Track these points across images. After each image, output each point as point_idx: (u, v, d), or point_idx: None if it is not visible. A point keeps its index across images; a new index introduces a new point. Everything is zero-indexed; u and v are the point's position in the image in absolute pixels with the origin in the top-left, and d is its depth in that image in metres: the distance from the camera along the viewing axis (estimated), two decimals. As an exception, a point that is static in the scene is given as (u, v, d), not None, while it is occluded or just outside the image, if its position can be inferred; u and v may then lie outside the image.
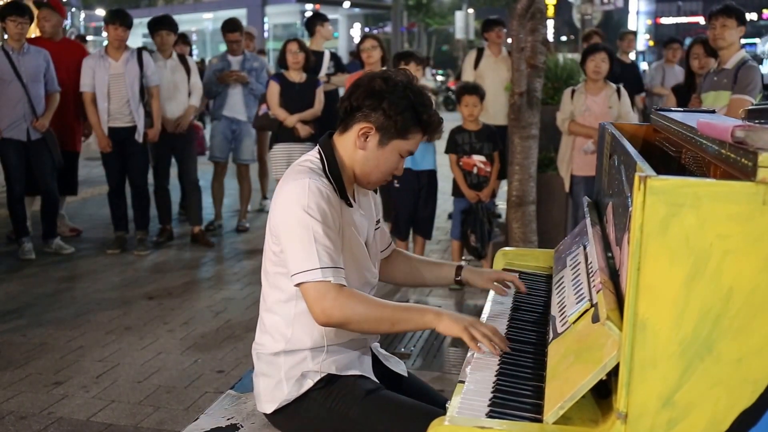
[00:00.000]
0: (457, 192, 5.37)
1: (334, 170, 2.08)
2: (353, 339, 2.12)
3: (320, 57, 7.02)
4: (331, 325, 1.96)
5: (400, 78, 2.07)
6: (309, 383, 2.06)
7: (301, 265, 1.92)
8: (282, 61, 6.30)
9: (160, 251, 6.42)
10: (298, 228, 1.94)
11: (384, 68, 2.20)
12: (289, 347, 2.07)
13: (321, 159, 2.10)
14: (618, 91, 5.42)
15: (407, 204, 5.31)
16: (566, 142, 5.53)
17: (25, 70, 5.87)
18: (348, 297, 1.91)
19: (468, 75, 7.20)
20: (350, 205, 2.12)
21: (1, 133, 5.82)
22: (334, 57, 7.26)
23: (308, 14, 38.80)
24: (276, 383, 2.09)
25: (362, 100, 2.05)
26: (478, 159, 5.19)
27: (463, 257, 5.65)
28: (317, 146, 2.16)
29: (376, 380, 2.13)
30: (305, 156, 2.14)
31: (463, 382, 1.73)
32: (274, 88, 6.16)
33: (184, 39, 7.59)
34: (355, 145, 2.08)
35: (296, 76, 6.21)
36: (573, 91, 5.48)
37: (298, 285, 1.95)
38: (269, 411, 2.11)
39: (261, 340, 2.16)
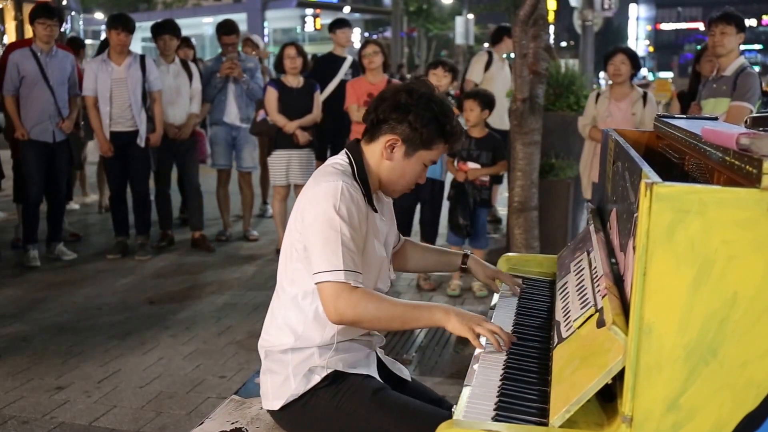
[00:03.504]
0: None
1: (362, 176, 2.15)
2: (360, 339, 2.17)
3: (340, 62, 6.98)
4: (344, 323, 2.02)
5: (424, 90, 2.16)
6: (316, 378, 2.09)
7: (325, 265, 1.98)
8: (279, 66, 6.30)
9: (161, 256, 6.43)
10: (327, 229, 2.00)
11: (406, 81, 2.30)
12: (298, 344, 2.11)
13: (350, 164, 2.17)
14: (644, 97, 5.29)
15: (405, 208, 5.26)
16: (588, 148, 5.43)
17: (52, 72, 5.91)
18: (361, 297, 1.98)
19: (477, 77, 7.19)
20: (375, 211, 2.19)
21: (28, 135, 5.85)
22: (354, 65, 7.01)
23: (308, 19, 38.54)
24: (283, 379, 2.12)
25: (389, 113, 2.13)
26: (472, 166, 5.17)
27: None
28: (345, 150, 2.22)
29: (382, 381, 2.16)
30: (333, 159, 2.21)
31: (468, 386, 1.74)
32: (272, 94, 6.15)
33: (187, 43, 7.57)
34: (382, 156, 2.16)
35: (294, 80, 6.21)
36: (598, 96, 5.40)
37: (317, 283, 2.00)
38: (276, 408, 2.13)
39: (269, 336, 2.19)
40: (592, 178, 5.38)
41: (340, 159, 2.19)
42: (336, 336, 2.11)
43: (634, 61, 5.29)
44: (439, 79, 5.45)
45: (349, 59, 7.07)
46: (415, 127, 2.11)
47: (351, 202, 2.03)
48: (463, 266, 2.54)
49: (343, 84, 6.76)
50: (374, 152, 2.18)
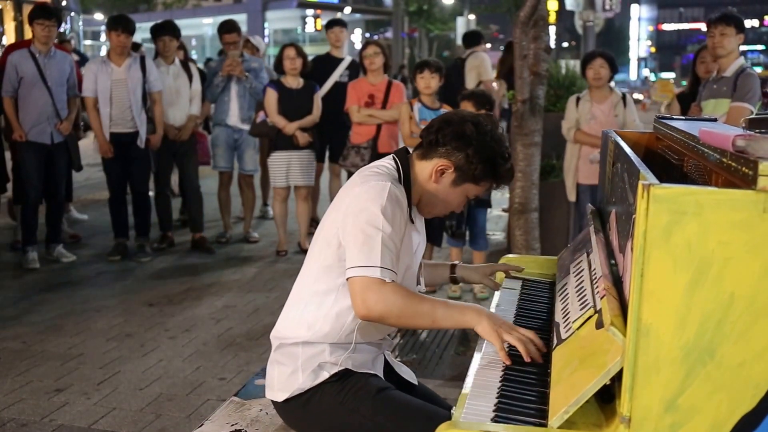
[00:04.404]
0: None
1: (407, 186, 2.15)
2: (372, 342, 2.17)
3: (336, 63, 6.95)
4: (371, 319, 1.99)
5: (490, 127, 2.16)
6: (325, 375, 2.09)
7: (362, 260, 1.96)
8: (279, 67, 6.29)
9: (160, 258, 6.42)
10: (369, 226, 1.99)
11: (476, 112, 2.30)
12: (311, 339, 2.11)
13: (397, 169, 2.17)
14: (624, 98, 5.36)
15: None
16: (572, 150, 5.48)
17: (51, 73, 5.90)
18: (391, 291, 1.95)
19: (491, 74, 7.20)
20: (412, 222, 2.20)
21: (25, 137, 5.85)
22: (353, 66, 6.97)
23: (309, 20, 38.35)
24: (291, 372, 2.12)
25: (449, 139, 2.14)
26: None
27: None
28: (393, 155, 2.22)
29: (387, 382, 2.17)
30: (380, 161, 2.21)
31: (468, 387, 1.74)
32: (271, 96, 6.14)
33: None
34: (430, 177, 2.17)
35: (293, 82, 6.20)
36: (578, 99, 5.45)
37: (349, 277, 1.98)
38: (281, 399, 2.14)
39: (283, 328, 2.19)
40: (577, 180, 5.44)
41: (387, 163, 2.19)
42: (355, 336, 2.11)
43: (612, 65, 5.38)
44: (428, 82, 5.34)
45: (347, 60, 7.02)
46: (472, 161, 2.12)
47: (396, 204, 2.03)
48: (453, 276, 2.54)
49: (337, 85, 6.76)
50: (424, 170, 2.18)
